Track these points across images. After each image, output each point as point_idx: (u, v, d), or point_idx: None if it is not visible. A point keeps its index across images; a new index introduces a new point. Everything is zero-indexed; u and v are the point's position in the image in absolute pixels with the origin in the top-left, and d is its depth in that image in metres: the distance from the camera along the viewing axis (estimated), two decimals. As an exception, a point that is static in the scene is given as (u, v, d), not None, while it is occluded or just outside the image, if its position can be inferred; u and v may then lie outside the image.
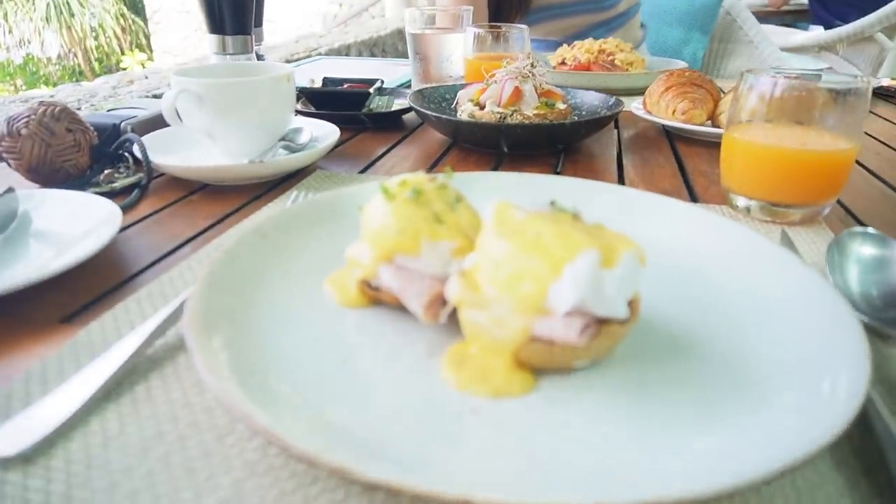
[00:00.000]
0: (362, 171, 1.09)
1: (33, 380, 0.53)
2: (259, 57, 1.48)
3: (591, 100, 1.33)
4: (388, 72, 1.89)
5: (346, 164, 1.13)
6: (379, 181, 0.62)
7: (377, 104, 1.45)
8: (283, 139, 1.06)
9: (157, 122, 1.09)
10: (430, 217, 0.57)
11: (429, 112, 1.18)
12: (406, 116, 1.45)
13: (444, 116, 1.16)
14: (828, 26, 4.24)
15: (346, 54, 4.18)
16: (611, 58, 1.82)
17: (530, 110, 1.18)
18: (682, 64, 1.87)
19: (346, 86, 1.51)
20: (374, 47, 4.42)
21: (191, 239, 0.81)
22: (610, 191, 0.80)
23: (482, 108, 1.21)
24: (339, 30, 4.86)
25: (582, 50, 1.85)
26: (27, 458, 0.45)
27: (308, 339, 0.55)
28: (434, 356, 0.53)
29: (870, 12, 3.65)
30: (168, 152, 1.02)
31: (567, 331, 0.48)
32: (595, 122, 1.16)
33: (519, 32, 1.53)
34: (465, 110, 1.23)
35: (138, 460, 0.45)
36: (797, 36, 4.14)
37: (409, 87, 1.67)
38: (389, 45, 4.65)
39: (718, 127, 1.29)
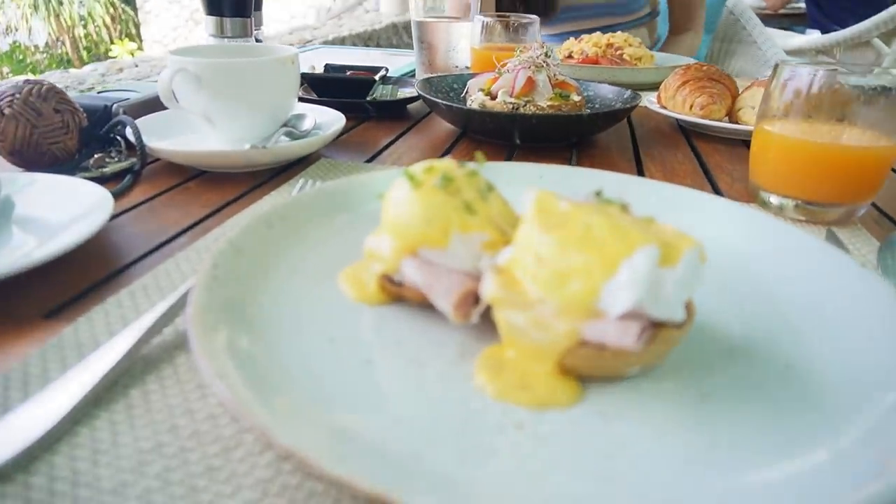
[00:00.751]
0: (369, 161, 1.03)
1: (13, 383, 0.46)
2: (258, 42, 1.42)
3: (605, 93, 1.28)
4: (391, 61, 1.83)
5: (351, 153, 1.07)
6: (396, 168, 0.56)
7: (381, 93, 1.39)
8: (285, 125, 1.00)
9: (152, 105, 1.04)
10: (461, 207, 0.51)
11: (439, 100, 1.12)
12: (411, 106, 1.40)
13: (455, 105, 1.10)
14: (825, 31, 4.22)
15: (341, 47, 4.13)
16: (619, 52, 1.77)
17: (544, 101, 1.13)
18: (690, 61, 1.82)
19: (349, 73, 1.45)
20: (369, 41, 4.37)
21: (187, 228, 0.75)
22: (645, 185, 0.75)
23: (493, 97, 1.16)
24: (333, 23, 4.81)
25: (590, 44, 1.80)
26: (4, 474, 0.39)
27: (323, 339, 0.49)
28: (466, 360, 0.48)
29: (867, 17, 3.63)
30: (163, 136, 0.96)
31: (622, 335, 0.43)
32: (612, 115, 1.11)
33: (529, 22, 1.47)
34: (475, 100, 1.18)
35: (133, 477, 0.39)
36: (795, 39, 4.11)
37: (413, 76, 1.61)
38: (384, 39, 4.60)
39: (737, 123, 1.24)
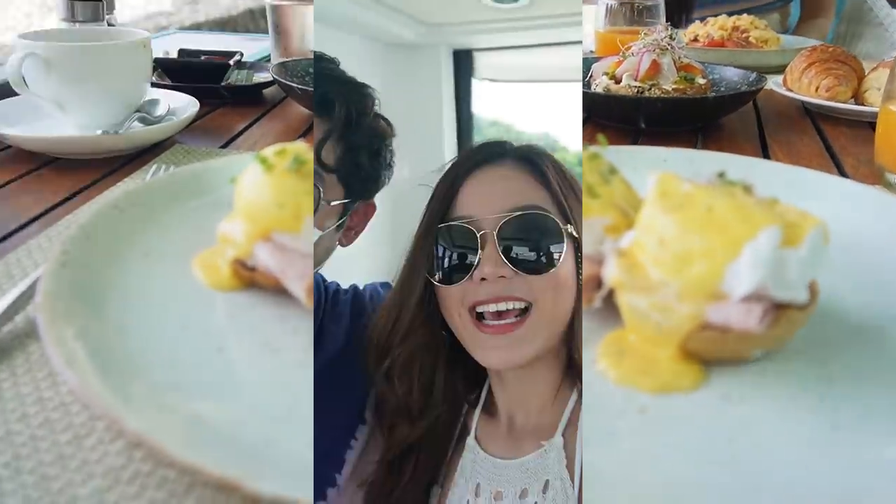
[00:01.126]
0: (224, 146, 1.03)
1: None
2: (110, 26, 1.38)
3: (731, 76, 1.27)
4: (247, 46, 1.79)
5: (206, 139, 1.06)
6: (250, 153, 0.57)
7: (236, 78, 1.37)
8: (138, 111, 0.98)
9: (1, 91, 1.00)
10: (311, 191, 0.52)
11: (294, 84, 1.11)
12: (267, 91, 1.38)
13: (308, 89, 1.09)
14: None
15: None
16: (745, 35, 1.74)
17: (669, 84, 1.13)
18: (815, 43, 1.63)
19: (203, 58, 1.42)
20: (227, 26, 4.25)
21: (39, 216, 0.74)
22: (769, 168, 0.76)
23: (618, 81, 1.15)
24: (189, 8, 4.66)
25: (716, 27, 1.77)
26: None
27: (176, 326, 0.50)
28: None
29: None
30: (14, 123, 0.94)
31: (746, 317, 0.43)
32: (738, 98, 1.12)
33: (653, 5, 1.46)
34: (599, 84, 1.17)
35: (-18, 466, 0.39)
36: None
37: (268, 61, 1.59)
38: (241, 26, 4.49)
39: (863, 105, 1.23)
